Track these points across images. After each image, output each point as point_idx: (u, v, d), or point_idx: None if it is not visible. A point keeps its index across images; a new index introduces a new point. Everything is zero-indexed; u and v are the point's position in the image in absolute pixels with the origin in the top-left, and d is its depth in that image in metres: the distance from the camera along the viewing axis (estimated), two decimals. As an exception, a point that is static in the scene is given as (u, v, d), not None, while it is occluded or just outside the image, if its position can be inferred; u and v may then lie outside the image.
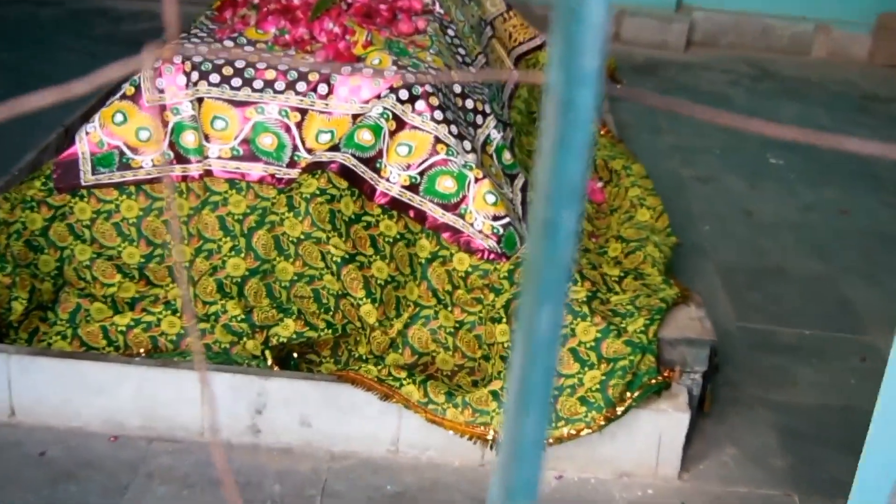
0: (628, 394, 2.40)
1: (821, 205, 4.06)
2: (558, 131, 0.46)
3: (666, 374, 2.46)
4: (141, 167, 2.75)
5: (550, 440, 2.36)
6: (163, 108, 2.76)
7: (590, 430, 2.37)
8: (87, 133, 2.77)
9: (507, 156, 2.96)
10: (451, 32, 3.30)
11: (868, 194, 4.19)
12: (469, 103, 2.94)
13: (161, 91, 2.77)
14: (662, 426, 2.46)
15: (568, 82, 0.45)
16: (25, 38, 5.19)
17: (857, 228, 3.90)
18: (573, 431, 2.37)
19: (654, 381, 2.42)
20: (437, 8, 3.37)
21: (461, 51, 3.27)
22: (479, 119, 2.94)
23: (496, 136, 2.95)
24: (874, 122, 5.06)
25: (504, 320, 2.54)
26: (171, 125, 2.75)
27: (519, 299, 0.48)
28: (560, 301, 0.49)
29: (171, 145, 2.75)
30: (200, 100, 2.76)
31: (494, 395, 2.40)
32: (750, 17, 5.93)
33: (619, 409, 2.38)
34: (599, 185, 3.52)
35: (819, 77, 5.64)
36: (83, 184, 2.73)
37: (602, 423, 2.37)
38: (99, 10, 5.72)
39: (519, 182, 2.97)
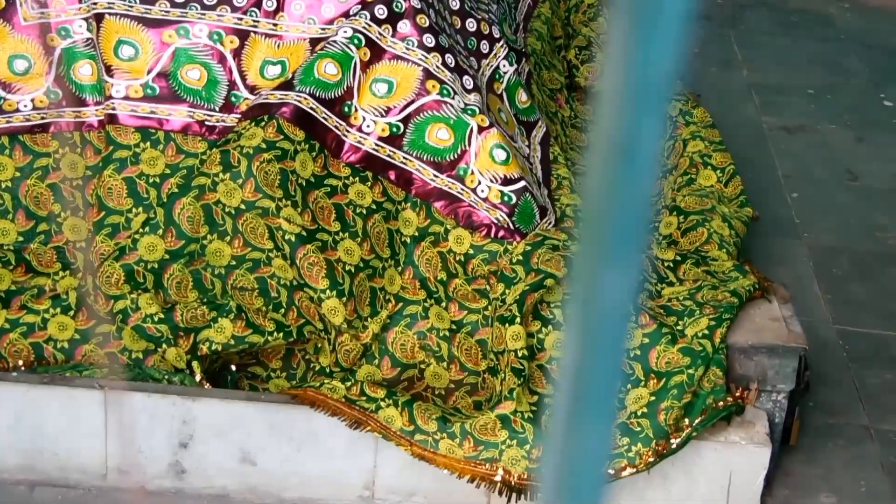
0: (686, 420, 2.43)
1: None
2: (639, 13, 0.44)
3: (738, 395, 2.50)
4: (17, 110, 2.75)
5: (581, 483, 2.44)
6: (46, 27, 2.76)
7: (634, 469, 2.41)
8: (-60, 64, 2.76)
9: (522, 96, 3.00)
10: (443, -75, 3.33)
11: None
12: (471, 24, 2.97)
13: (43, 5, 2.78)
14: (734, 464, 2.51)
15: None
16: None
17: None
18: (611, 471, 2.39)
19: (722, 403, 2.46)
20: None
21: (457, -49, 3.30)
22: (485, 46, 2.97)
23: (508, 69, 2.99)
24: None
25: (518, 320, 2.57)
26: (57, 52, 2.75)
27: (570, 268, 0.47)
28: (637, 260, 0.47)
29: (59, 80, 2.75)
30: (99, 17, 2.76)
31: (505, 421, 2.44)
32: None
33: (675, 441, 2.42)
34: (649, 134, 3.56)
35: (868, 27, 5.63)
36: (-63, 133, 2.75)
37: (651, 458, 2.41)
38: None
39: (538, 133, 3.00)
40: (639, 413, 2.45)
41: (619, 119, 0.44)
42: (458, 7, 2.96)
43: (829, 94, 4.47)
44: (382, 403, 2.47)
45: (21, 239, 2.74)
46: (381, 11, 2.77)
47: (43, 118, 2.77)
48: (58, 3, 2.78)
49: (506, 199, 2.72)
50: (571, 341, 0.48)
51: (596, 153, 0.45)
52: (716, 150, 3.39)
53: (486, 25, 3.00)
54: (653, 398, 2.46)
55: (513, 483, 2.43)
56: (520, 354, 2.55)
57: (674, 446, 2.44)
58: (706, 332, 2.53)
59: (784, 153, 4.03)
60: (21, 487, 2.53)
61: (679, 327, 2.55)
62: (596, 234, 0.45)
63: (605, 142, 0.44)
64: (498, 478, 2.43)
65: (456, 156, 2.74)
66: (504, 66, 2.99)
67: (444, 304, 2.68)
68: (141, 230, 2.68)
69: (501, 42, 3.02)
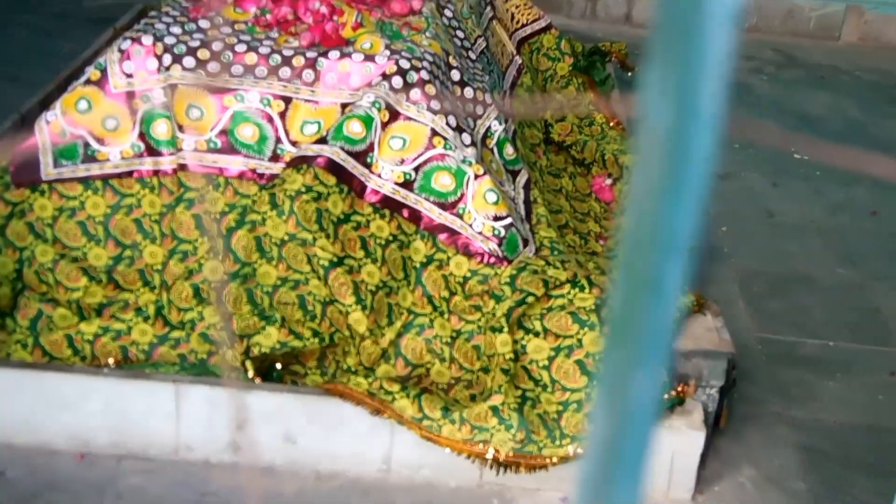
0: (639, 410, 2.45)
1: (849, 205, 4.10)
2: (666, 177, 0.42)
3: (680, 390, 2.49)
4: (108, 160, 2.75)
5: (554, 460, 2.41)
6: (132, 94, 2.75)
7: (598, 449, 2.43)
8: (47, 122, 2.76)
9: (509, 150, 2.99)
10: (448, 13, 3.33)
11: (901, 194, 4.24)
12: (469, 92, 2.97)
13: (129, 76, 2.77)
14: (676, 445, 2.49)
15: (679, 123, 0.41)
16: (-29, 13, 5.18)
17: (888, 231, 3.93)
18: (580, 450, 2.39)
19: (666, 396, 2.45)
20: (433, -13, 3.41)
21: (459, 34, 3.30)
22: (480, 109, 2.97)
23: (497, 128, 2.98)
24: (909, 113, 5.13)
25: (505, 330, 2.56)
26: (140, 114, 2.75)
27: (603, 361, 0.45)
28: (661, 366, 0.45)
29: (142, 136, 2.75)
30: (174, 86, 2.76)
31: (495, 410, 2.43)
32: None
33: (630, 427, 2.44)
34: (609, 182, 3.54)
35: (849, 64, 5.68)
36: (44, 178, 2.73)
37: (611, 441, 2.43)
38: (54, -17, 5.70)
39: (521, 179, 3.01)
40: (601, 404, 2.44)
41: (646, 260, 0.44)
42: (458, 79, 2.97)
43: (750, 148, 4.48)
44: (397, 396, 2.46)
45: (111, 262, 2.73)
46: (397, 82, 2.77)
47: (128, 166, 2.77)
48: (141, 75, 2.78)
49: (496, 232, 2.72)
50: (604, 425, 0.46)
51: (624, 282, 0.44)
52: (662, 192, 3.39)
53: (480, 93, 3.01)
54: (612, 392, 2.44)
55: (500, 460, 2.43)
56: (507, 357, 2.54)
57: (629, 431, 2.43)
58: (655, 339, 2.51)
59: (716, 195, 3.99)
60: (110, 460, 2.52)
61: (633, 336, 2.53)
62: (630, 344, 0.44)
63: (633, 275, 0.44)
64: (489, 456, 2.42)
65: (456, 198, 2.73)
66: (494, 125, 2.99)
67: (446, 317, 2.67)
68: (205, 256, 2.69)
69: (492, 106, 3.02)
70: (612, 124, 3.93)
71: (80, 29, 4.99)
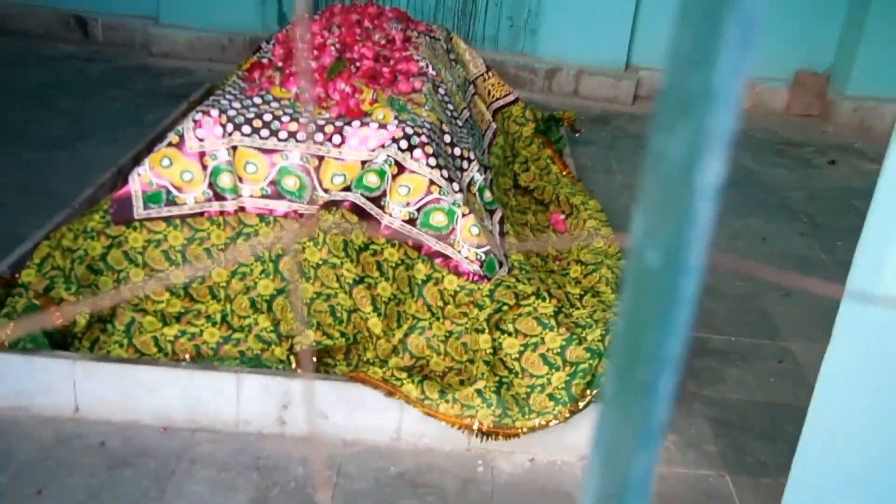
0: (588, 391, 2.44)
1: (745, 233, 4.13)
2: (655, 312, 0.39)
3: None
4: (185, 203, 2.78)
5: (524, 430, 2.43)
6: (203, 154, 2.79)
7: (557, 421, 2.42)
8: (138, 175, 2.79)
9: (487, 195, 3.03)
10: (441, 91, 3.37)
11: (784, 224, 4.27)
12: (457, 151, 3.01)
13: (201, 140, 2.81)
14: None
15: (668, 269, 0.38)
16: (78, 90, 5.20)
17: (774, 253, 3.97)
18: (543, 422, 2.42)
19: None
20: (430, 70, 3.45)
21: (450, 106, 3.34)
22: (465, 164, 3.01)
23: (478, 178, 3.02)
24: (788, 162, 5.17)
25: (486, 331, 2.59)
26: (209, 168, 2.78)
27: (597, 449, 0.42)
28: (654, 454, 0.42)
29: (210, 185, 2.78)
30: (235, 147, 2.79)
31: (479, 392, 2.45)
32: (687, 75, 6.03)
33: (581, 404, 2.44)
34: (562, 217, 3.59)
35: (744, 124, 5.74)
36: (136, 217, 2.76)
37: (567, 415, 2.42)
38: (141, 67, 5.74)
39: (497, 216, 3.04)
40: (559, 387, 2.45)
41: (641, 372, 0.41)
42: (449, 141, 3.00)
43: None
44: (405, 381, 2.47)
45: (187, 281, 2.75)
46: (403, 144, 2.80)
47: (200, 208, 2.79)
48: (210, 139, 2.80)
49: (478, 257, 2.74)
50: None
51: (619, 385, 0.41)
52: (603, 225, 3.43)
53: (465, 151, 3.04)
54: (568, 378, 2.46)
55: (483, 430, 2.44)
56: (487, 352, 2.56)
57: (581, 407, 2.44)
58: (600, 338, 2.54)
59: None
60: (186, 432, 2.52)
61: (584, 335, 2.56)
62: (626, 438, 0.41)
63: (628, 379, 0.41)
64: (475, 427, 2.43)
65: (448, 231, 2.76)
66: (476, 176, 3.02)
67: (441, 321, 2.69)
68: (259, 276, 2.70)
69: (475, 161, 3.06)
70: (564, 173, 3.98)
71: (162, 102, 5.02)
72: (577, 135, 4.76)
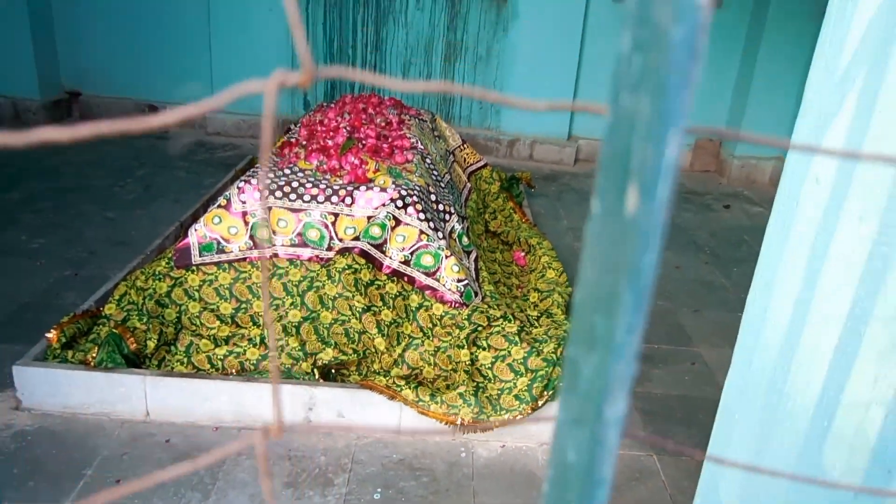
0: (545, 392, 2.41)
1: (663, 263, 4.11)
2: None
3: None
4: (231, 251, 2.74)
5: (497, 423, 2.39)
6: (245, 213, 2.76)
7: (522, 416, 2.38)
8: (195, 230, 2.76)
9: (465, 240, 3.00)
10: (428, 161, 3.36)
11: (692, 256, 4.24)
12: (441, 206, 2.98)
13: (244, 202, 2.78)
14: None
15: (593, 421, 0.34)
16: (151, 161, 5.17)
17: (686, 278, 3.94)
18: (511, 417, 2.38)
19: (561, 384, 2.45)
20: (419, 145, 3.43)
21: (435, 172, 3.32)
22: (447, 216, 2.98)
23: (458, 227, 3.00)
24: (693, 207, 5.16)
25: (465, 346, 2.54)
26: (250, 224, 2.75)
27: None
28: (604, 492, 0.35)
29: (251, 237, 2.75)
30: (270, 208, 2.76)
31: (461, 395, 2.40)
32: (615, 142, 6.05)
33: (540, 403, 2.40)
34: (523, 254, 3.56)
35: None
36: (194, 263, 2.73)
37: (529, 411, 2.38)
38: (199, 143, 5.71)
39: (472, 256, 3.00)
40: (523, 390, 2.41)
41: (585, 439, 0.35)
42: (434, 199, 2.97)
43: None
44: (403, 387, 2.42)
45: (233, 311, 2.69)
46: (399, 203, 2.77)
47: (243, 255, 2.74)
48: (250, 202, 2.77)
49: (459, 289, 2.70)
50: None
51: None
52: (554, 260, 3.40)
53: (447, 206, 3.02)
54: (529, 382, 2.42)
55: (465, 424, 2.39)
56: (466, 363, 2.52)
57: (540, 405, 2.40)
58: (553, 350, 2.50)
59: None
60: (233, 430, 2.46)
61: (541, 348, 2.52)
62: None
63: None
64: (458, 422, 2.37)
65: (435, 269, 2.72)
66: (456, 225, 2.99)
67: (431, 339, 2.64)
68: (289, 308, 2.65)
69: (454, 214, 3.03)
70: (523, 220, 3.96)
71: (215, 170, 4.99)
72: (532, 190, 4.76)
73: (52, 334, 2.55)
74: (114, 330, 2.54)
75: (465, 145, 4.37)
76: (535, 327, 2.71)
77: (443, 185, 3.30)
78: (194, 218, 3.62)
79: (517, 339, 2.53)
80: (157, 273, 2.73)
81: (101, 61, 5.92)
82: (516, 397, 2.40)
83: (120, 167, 4.94)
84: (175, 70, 5.95)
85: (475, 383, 2.46)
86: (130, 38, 5.86)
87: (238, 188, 2.80)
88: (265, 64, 5.81)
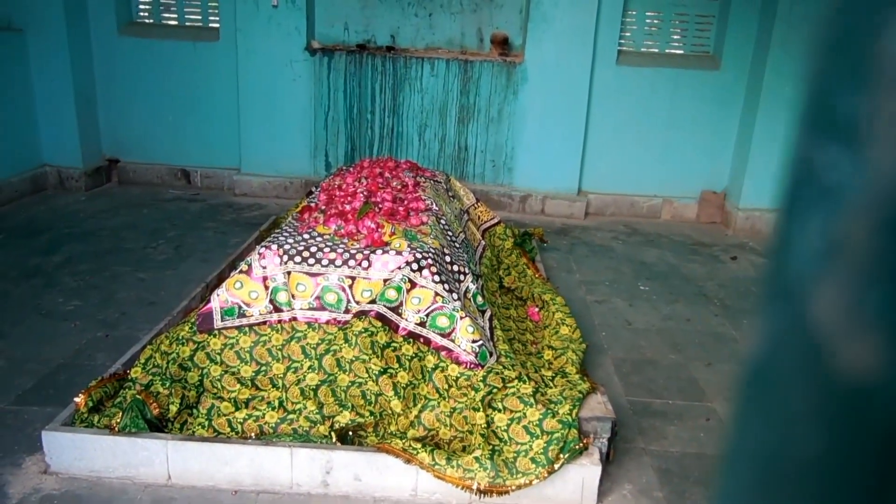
0: (561, 455, 2.29)
1: (674, 316, 3.98)
2: None
3: (584, 442, 2.35)
4: (252, 315, 2.68)
5: (513, 487, 2.26)
6: (265, 278, 2.71)
7: (538, 479, 2.26)
8: (217, 295, 2.71)
9: (479, 299, 2.91)
10: (443, 222, 3.30)
11: (702, 308, 4.11)
12: (455, 267, 2.91)
13: (264, 268, 2.73)
14: (584, 474, 2.35)
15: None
16: (182, 222, 5.19)
17: (697, 331, 3.81)
18: (527, 481, 2.25)
19: (577, 446, 2.31)
20: (434, 207, 3.39)
21: (449, 233, 3.26)
22: (462, 277, 2.91)
23: (472, 287, 2.92)
24: (700, 258, 5.05)
25: (481, 409, 2.43)
26: (270, 289, 2.70)
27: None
28: None
29: (271, 301, 2.69)
30: (289, 273, 2.71)
31: (476, 459, 2.28)
32: (623, 196, 6.00)
33: (557, 465, 2.28)
34: (536, 309, 3.47)
35: (666, 231, 5.67)
36: (215, 327, 2.67)
37: (545, 475, 2.26)
38: (227, 204, 5.74)
39: (487, 314, 2.91)
40: (539, 452, 2.29)
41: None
42: (449, 260, 2.90)
43: (615, 284, 4.42)
44: (419, 451, 2.32)
45: (253, 373, 2.62)
46: (414, 266, 2.71)
47: (263, 319, 2.69)
48: (271, 267, 2.72)
49: (474, 350, 2.60)
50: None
51: None
52: (567, 316, 3.29)
53: (462, 267, 2.94)
54: (545, 445, 2.30)
55: (481, 489, 2.26)
56: (482, 425, 2.40)
57: (556, 468, 2.28)
58: (569, 411, 2.39)
59: (597, 314, 3.93)
60: (252, 494, 2.36)
61: (556, 409, 2.41)
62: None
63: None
64: (475, 487, 2.25)
65: (450, 330, 2.63)
66: (470, 285, 2.91)
67: (447, 400, 2.54)
68: (307, 371, 2.57)
69: (469, 274, 2.96)
70: (536, 276, 3.88)
71: (242, 230, 4.98)
72: (544, 244, 4.68)
73: (80, 399, 2.49)
74: (137, 395, 2.47)
75: (478, 204, 4.32)
76: (550, 388, 2.59)
77: (457, 244, 3.24)
78: (220, 278, 3.58)
79: (532, 400, 2.41)
80: (180, 338, 2.67)
81: (138, 131, 6.02)
82: (532, 460, 2.28)
83: (153, 229, 4.95)
84: (206, 138, 6.02)
85: (491, 446, 2.34)
86: (165, 110, 5.96)
87: (259, 254, 2.75)
88: (289, 131, 5.86)
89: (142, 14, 5.94)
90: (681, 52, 5.79)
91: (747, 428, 0.21)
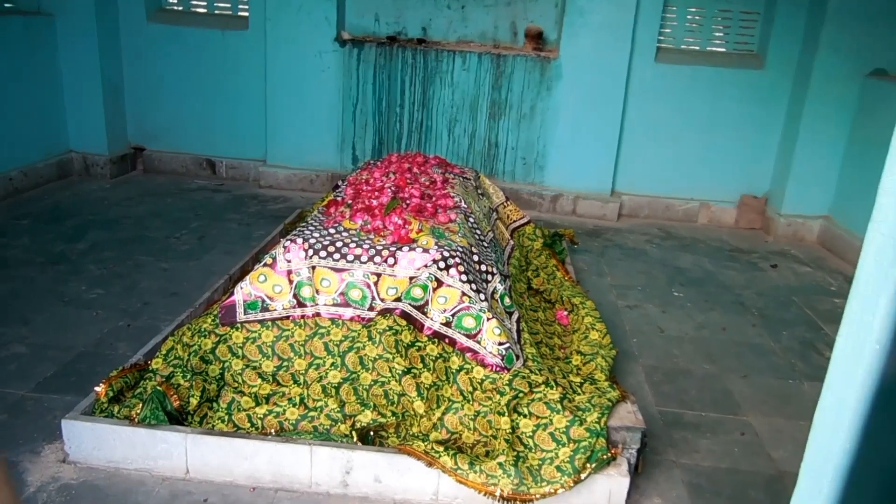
0: (588, 465, 2.27)
1: (708, 324, 3.92)
2: None
3: (613, 452, 2.33)
4: (275, 310, 2.70)
5: (538, 496, 2.24)
6: (290, 272, 2.73)
7: (564, 489, 2.24)
8: (241, 288, 2.73)
9: (507, 300, 2.90)
10: (471, 220, 3.30)
11: (739, 317, 4.05)
12: (483, 267, 2.90)
13: (289, 261, 2.75)
14: (611, 485, 2.33)
15: None
16: (206, 213, 5.25)
17: (732, 340, 3.75)
18: (552, 490, 2.23)
19: (605, 456, 2.30)
20: (463, 204, 3.38)
21: (478, 232, 3.26)
22: (489, 277, 2.90)
23: (500, 287, 2.91)
24: (739, 265, 4.97)
25: (506, 413, 2.43)
26: (294, 283, 2.71)
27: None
28: None
29: (295, 296, 2.71)
30: (314, 267, 2.73)
31: (500, 465, 2.27)
32: (658, 198, 5.94)
33: (583, 475, 2.26)
34: (565, 313, 3.44)
35: (703, 236, 5.59)
36: (238, 321, 2.69)
37: (571, 484, 2.24)
38: (252, 195, 5.79)
39: (515, 316, 2.90)
40: (565, 461, 2.27)
41: None
42: (477, 259, 2.90)
43: (648, 289, 4.37)
44: (442, 453, 2.31)
45: (275, 369, 2.64)
46: (441, 264, 2.71)
47: (287, 313, 2.71)
48: (295, 261, 2.74)
49: (500, 352, 2.60)
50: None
51: None
52: (597, 321, 3.26)
53: (490, 267, 2.93)
54: (572, 453, 2.29)
55: (504, 496, 2.25)
56: (507, 430, 2.40)
57: (583, 478, 2.26)
58: (597, 420, 2.37)
59: (628, 320, 3.89)
60: (270, 491, 2.38)
61: (584, 417, 2.39)
62: None
63: None
64: (497, 493, 2.24)
65: (476, 331, 2.63)
66: (498, 286, 2.90)
67: (471, 403, 2.53)
68: (330, 368, 2.59)
69: (497, 274, 2.95)
70: (566, 278, 3.85)
71: (266, 222, 5.03)
72: (575, 246, 4.65)
73: (100, 388, 2.53)
74: (158, 387, 2.50)
75: (508, 202, 4.31)
76: (578, 394, 2.58)
77: (485, 244, 3.23)
78: (243, 271, 3.62)
79: (559, 406, 2.40)
80: (202, 330, 2.69)
81: (164, 119, 6.11)
82: (558, 468, 2.26)
83: (177, 219, 5.02)
84: (232, 128, 6.09)
85: (515, 452, 2.33)
86: (192, 99, 6.04)
87: (284, 247, 2.77)
88: (316, 123, 5.90)
89: (171, 1, 6.02)
90: (723, 49, 5.71)
91: (878, 442, 0.21)
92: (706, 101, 5.67)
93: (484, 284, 2.83)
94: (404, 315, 2.59)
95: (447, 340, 2.61)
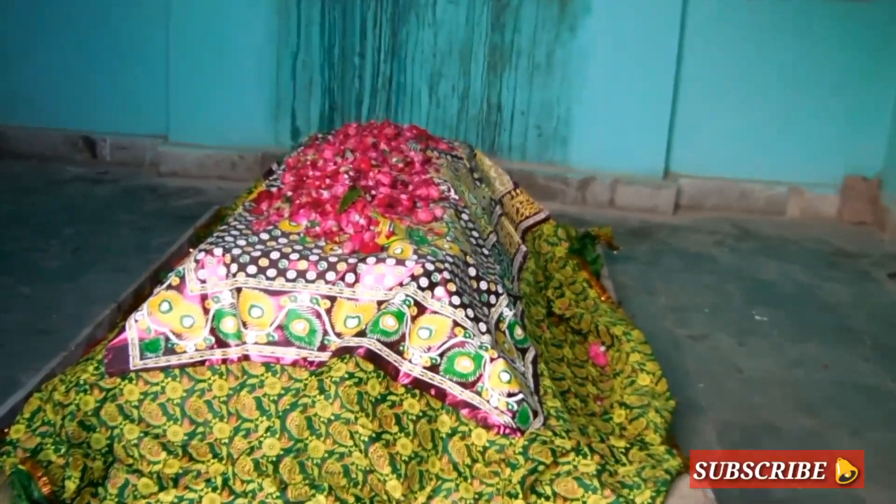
0: (639, 566, 2.28)
1: (805, 360, 3.93)
2: None
3: (674, 546, 2.34)
4: (185, 351, 2.68)
5: None
6: (205, 297, 2.71)
7: None
8: (136, 321, 2.71)
9: (518, 332, 2.89)
10: (465, 217, 3.29)
11: (846, 349, 4.06)
12: (483, 285, 2.90)
13: (203, 281, 2.72)
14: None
15: None
16: (84, 214, 5.24)
17: (838, 382, 3.76)
18: None
19: (663, 552, 2.30)
20: (452, 194, 3.38)
21: (475, 234, 3.25)
22: (493, 299, 2.89)
23: (508, 313, 2.89)
24: (844, 276, 5.01)
25: (520, 496, 2.41)
26: (212, 313, 2.69)
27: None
28: None
29: (213, 331, 2.68)
30: (239, 289, 2.71)
31: (515, 571, 2.28)
32: (730, 182, 5.98)
33: (632, 581, 2.27)
34: (602, 349, 3.44)
35: (794, 235, 5.63)
36: (132, 368, 2.66)
37: None
38: (149, 188, 5.80)
39: (530, 355, 2.90)
40: (606, 558, 2.27)
41: None
42: (474, 274, 2.91)
43: (718, 311, 4.40)
44: None
45: (186, 437, 2.63)
46: (423, 282, 2.71)
47: (201, 356, 2.70)
48: (212, 281, 2.74)
49: (510, 407, 2.59)
50: None
51: None
52: (648, 360, 3.27)
53: (493, 285, 2.94)
54: (616, 551, 2.28)
55: None
56: None
57: (631, 585, 2.26)
58: (650, 500, 2.39)
59: (692, 355, 3.93)
60: None
61: (631, 497, 2.40)
62: None
63: None
64: None
65: (475, 378, 2.62)
66: (505, 311, 2.91)
67: (469, 481, 2.52)
68: (265, 434, 2.57)
69: (503, 294, 2.95)
70: (603, 298, 3.86)
71: (169, 224, 5.02)
72: (615, 252, 4.66)
73: (-70, 471, 2.50)
74: (20, 466, 2.48)
75: (517, 191, 4.32)
76: (623, 465, 2.57)
77: (486, 251, 3.23)
78: (138, 297, 3.60)
79: (597, 483, 2.39)
80: (81, 383, 2.67)
81: (24, 84, 6.09)
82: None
83: (42, 223, 5.01)
84: (119, 94, 6.08)
85: (535, 552, 2.32)
86: (63, 53, 6.02)
87: (196, 261, 2.77)
88: (239, 82, 5.89)
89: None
90: (817, -30, 5.77)
91: None
92: (792, 47, 5.72)
93: (485, 309, 2.82)
94: (370, 356, 2.58)
95: (433, 392, 2.60)
